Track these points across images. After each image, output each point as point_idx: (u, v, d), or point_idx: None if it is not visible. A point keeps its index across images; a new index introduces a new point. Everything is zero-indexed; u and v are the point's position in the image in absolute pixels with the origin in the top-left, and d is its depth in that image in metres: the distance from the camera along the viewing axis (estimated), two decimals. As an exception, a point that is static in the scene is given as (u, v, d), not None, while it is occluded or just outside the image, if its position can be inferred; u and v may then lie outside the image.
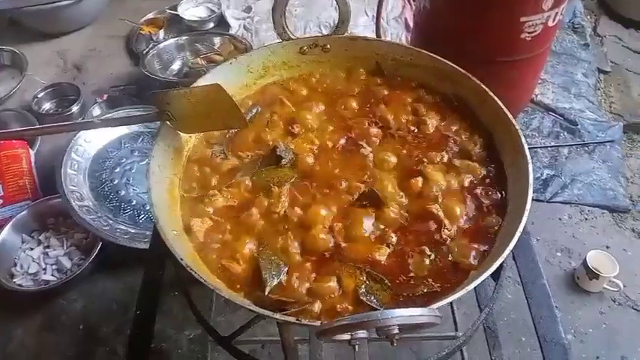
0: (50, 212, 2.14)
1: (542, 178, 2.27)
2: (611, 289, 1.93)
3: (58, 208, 2.11)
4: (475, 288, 1.53)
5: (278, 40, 1.34)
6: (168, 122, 1.14)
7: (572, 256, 2.07)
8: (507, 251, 0.92)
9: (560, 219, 2.19)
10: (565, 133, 2.43)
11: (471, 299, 1.65)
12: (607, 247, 2.08)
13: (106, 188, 2.15)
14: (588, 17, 3.13)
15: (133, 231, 2.02)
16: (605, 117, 2.54)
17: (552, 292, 1.92)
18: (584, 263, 1.92)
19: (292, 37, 1.33)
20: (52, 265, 2.02)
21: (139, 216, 2.09)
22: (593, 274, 1.90)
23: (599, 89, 2.73)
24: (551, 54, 2.77)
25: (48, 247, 2.06)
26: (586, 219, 2.20)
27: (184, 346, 1.87)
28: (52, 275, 2.00)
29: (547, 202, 2.22)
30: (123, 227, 2.03)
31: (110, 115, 2.27)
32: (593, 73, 2.76)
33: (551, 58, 2.75)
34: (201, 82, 1.20)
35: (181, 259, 0.93)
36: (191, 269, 0.91)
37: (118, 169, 2.20)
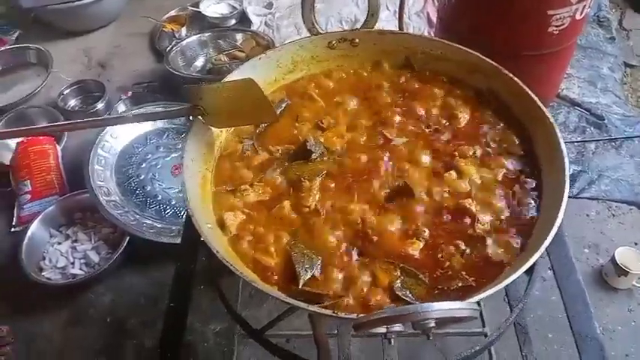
0: (78, 207, 2.17)
1: (569, 173, 2.23)
2: (640, 286, 1.90)
3: (85, 203, 2.14)
4: (507, 293, 1.53)
5: (301, 36, 1.34)
6: (200, 117, 1.15)
7: (599, 252, 2.04)
8: (544, 246, 0.91)
9: (587, 215, 2.16)
10: (592, 128, 2.40)
11: (498, 294, 1.64)
12: (635, 244, 2.05)
13: (133, 183, 2.17)
14: (614, 10, 3.08)
15: (159, 225, 2.04)
16: (632, 112, 2.50)
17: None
18: (613, 260, 1.89)
19: (321, 31, 1.32)
20: (80, 259, 2.05)
21: (164, 211, 2.11)
22: (621, 271, 1.87)
23: (625, 83, 2.68)
24: (577, 48, 2.72)
25: (76, 241, 2.09)
26: (614, 215, 2.17)
27: (210, 339, 1.89)
28: (80, 269, 2.03)
29: (574, 197, 2.19)
30: (149, 222, 2.05)
31: (140, 110, 2.29)
32: (619, 67, 2.71)
33: (577, 52, 2.71)
34: (231, 77, 1.20)
35: (217, 252, 0.93)
36: (227, 262, 0.92)
37: (144, 165, 2.23)
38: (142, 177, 2.19)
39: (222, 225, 1.08)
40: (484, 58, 1.22)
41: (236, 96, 1.10)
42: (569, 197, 2.24)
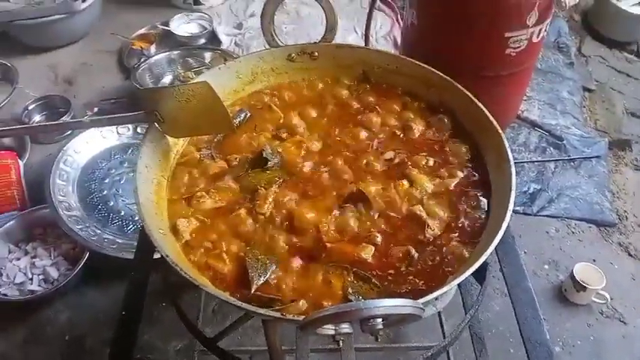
0: (38, 222, 2.13)
1: (529, 192, 2.29)
2: (599, 301, 1.94)
3: (46, 218, 2.10)
4: (463, 297, 1.55)
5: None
6: (156, 124, 1.15)
7: (559, 269, 2.08)
8: (490, 249, 0.93)
9: (547, 232, 2.20)
10: (551, 149, 2.47)
11: (459, 310, 1.66)
12: (594, 261, 2.09)
13: (95, 199, 2.14)
14: (573, 37, 3.20)
15: (120, 241, 2.01)
16: (590, 133, 2.58)
17: (540, 304, 1.93)
18: (572, 276, 1.93)
19: (280, 44, 1.35)
20: (38, 275, 2.00)
21: (127, 226, 2.08)
22: (580, 287, 1.91)
23: (584, 106, 2.77)
24: (537, 72, 2.82)
25: (35, 257, 2.04)
26: (573, 232, 2.22)
27: (171, 357, 1.85)
28: (39, 285, 1.97)
29: (534, 215, 2.23)
30: (111, 237, 2.02)
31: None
32: (578, 91, 2.81)
33: (537, 76, 2.80)
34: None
35: (167, 256, 0.93)
36: (176, 265, 0.92)
37: (107, 180, 2.20)
38: (105, 192, 2.16)
39: (175, 231, 1.08)
40: (436, 72, 1.26)
41: (192, 102, 1.11)
42: (529, 215, 2.31)
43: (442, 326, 1.66)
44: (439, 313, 1.67)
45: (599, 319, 1.95)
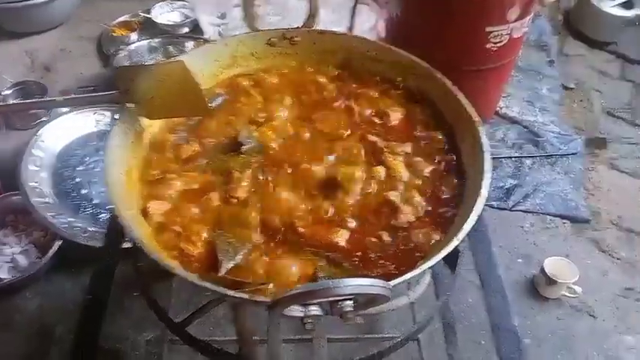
0: (9, 209, 2.08)
1: (506, 187, 2.31)
2: (570, 295, 1.96)
3: (17, 205, 2.05)
4: (436, 289, 1.56)
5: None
6: (130, 105, 1.13)
7: (532, 263, 2.10)
8: (462, 235, 0.93)
9: (522, 227, 2.22)
10: (529, 145, 2.49)
11: (433, 303, 1.67)
12: (567, 256, 2.11)
13: (68, 186, 2.11)
14: (554, 37, 3.23)
15: (92, 229, 1.97)
16: (567, 131, 2.61)
17: (512, 298, 1.97)
18: (542, 270, 1.95)
19: (261, 29, 1.34)
20: (7, 262, 1.96)
21: (100, 215, 2.04)
22: (550, 281, 1.93)
23: (563, 104, 2.80)
24: (518, 69, 2.84)
25: (4, 244, 2.00)
26: (547, 228, 2.24)
27: (142, 347, 1.83)
28: (8, 273, 1.94)
29: (510, 210, 2.25)
30: (83, 225, 1.98)
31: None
32: (557, 89, 2.84)
33: (518, 74, 2.83)
34: (167, 66, 1.19)
35: (135, 237, 0.92)
36: (142, 245, 0.90)
37: (81, 167, 2.16)
38: (79, 179, 2.12)
39: (146, 214, 1.06)
40: (415, 58, 1.26)
41: (167, 83, 1.09)
42: (504, 209, 2.32)
43: (414, 316, 1.66)
44: (412, 305, 1.67)
45: (569, 312, 1.97)
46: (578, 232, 2.25)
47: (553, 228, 2.23)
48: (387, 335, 1.70)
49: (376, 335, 1.73)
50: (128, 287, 1.89)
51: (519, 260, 2.10)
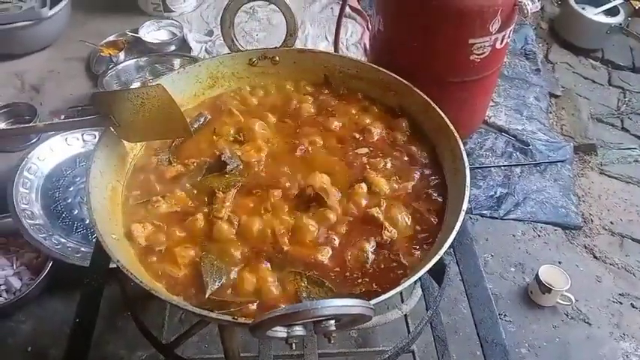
0: (0, 232, 2.08)
1: (496, 196, 2.32)
2: (564, 303, 1.96)
3: (8, 227, 2.05)
4: (426, 301, 1.56)
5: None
6: (112, 129, 1.13)
7: (525, 271, 2.10)
8: (442, 250, 0.94)
9: (513, 235, 2.23)
10: (517, 153, 2.50)
11: (421, 311, 1.67)
12: (559, 263, 2.12)
13: (59, 207, 2.10)
14: (540, 45, 3.26)
15: (85, 250, 1.97)
16: (556, 138, 2.63)
17: (507, 306, 1.98)
18: (537, 277, 1.95)
19: (241, 48, 1.35)
20: (0, 285, 1.95)
21: (92, 235, 2.04)
22: (545, 288, 1.93)
23: (550, 112, 2.82)
24: (504, 78, 2.87)
25: (-4, 267, 2.00)
26: (539, 236, 2.24)
27: (136, 367, 1.82)
28: (0, 296, 1.93)
29: (501, 219, 2.26)
30: (75, 246, 1.98)
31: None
32: (544, 97, 2.86)
33: (504, 83, 2.85)
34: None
35: (118, 261, 0.92)
36: (127, 270, 0.90)
37: (72, 188, 2.16)
38: (70, 200, 2.12)
39: (130, 237, 1.07)
40: (395, 76, 1.27)
41: (147, 106, 1.10)
42: (496, 218, 2.33)
43: (408, 328, 1.66)
44: (406, 318, 1.67)
45: (565, 320, 1.97)
46: (570, 239, 2.25)
47: (545, 236, 2.24)
48: (379, 349, 1.69)
49: (369, 349, 1.73)
50: (121, 307, 1.89)
51: (512, 269, 2.11)
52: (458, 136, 1.13)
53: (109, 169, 1.11)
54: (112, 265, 1.11)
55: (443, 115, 1.18)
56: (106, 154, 1.11)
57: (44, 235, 1.97)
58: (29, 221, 1.99)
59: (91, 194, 1.02)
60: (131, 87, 1.16)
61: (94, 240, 2.01)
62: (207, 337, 1.86)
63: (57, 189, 2.15)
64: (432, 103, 1.21)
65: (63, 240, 1.99)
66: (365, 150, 1.24)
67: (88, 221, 2.08)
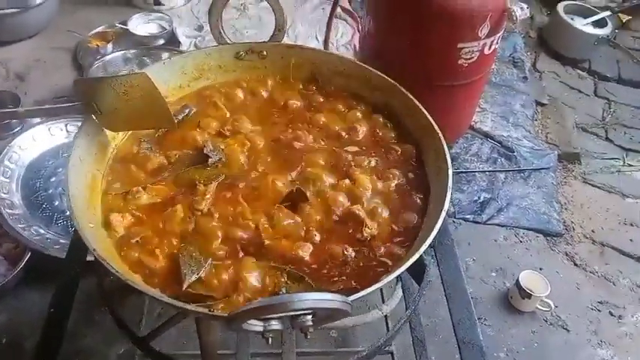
0: (-21, 221, 2.05)
1: (480, 201, 2.33)
2: (543, 309, 1.97)
3: (-13, 216, 2.02)
4: (406, 302, 1.56)
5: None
6: (94, 116, 1.12)
7: (506, 276, 2.11)
8: (422, 248, 0.94)
9: (495, 240, 2.24)
10: (502, 159, 2.52)
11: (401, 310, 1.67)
12: (540, 269, 2.13)
13: (40, 197, 2.07)
14: (528, 53, 3.29)
15: (64, 242, 1.94)
16: (540, 146, 2.65)
17: (486, 311, 1.99)
18: (517, 283, 1.96)
19: (229, 41, 1.34)
20: (-25, 275, 1.92)
21: (72, 227, 2.01)
22: (525, 294, 1.94)
23: (536, 120, 2.84)
24: (492, 85, 2.89)
25: (-27, 257, 1.96)
26: (521, 241, 2.26)
27: (113, 361, 1.80)
28: (-24, 286, 1.90)
29: (483, 224, 2.27)
30: (54, 237, 1.96)
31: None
32: (531, 105, 2.88)
33: (492, 89, 2.87)
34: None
35: (94, 250, 0.90)
36: (103, 260, 0.89)
37: (53, 179, 2.13)
38: (51, 191, 2.10)
39: (108, 227, 1.05)
40: (380, 74, 1.27)
41: (131, 95, 1.08)
42: (479, 223, 2.33)
43: (388, 328, 1.65)
44: (387, 320, 1.67)
45: (543, 326, 1.98)
46: (551, 245, 2.27)
47: (526, 242, 2.26)
48: (358, 349, 1.68)
49: (346, 349, 1.73)
50: (98, 301, 1.87)
51: (493, 274, 2.12)
52: (442, 136, 1.13)
53: (89, 157, 1.10)
54: (90, 258, 1.10)
55: (427, 114, 1.18)
56: (87, 141, 1.10)
57: (23, 225, 1.94)
58: (8, 211, 1.97)
59: (69, 181, 1.00)
60: (118, 74, 1.13)
61: (74, 232, 2.00)
62: (186, 333, 1.84)
63: (38, 179, 2.12)
64: (416, 102, 1.21)
65: (42, 231, 1.96)
66: (350, 147, 1.23)
67: (68, 213, 2.05)
